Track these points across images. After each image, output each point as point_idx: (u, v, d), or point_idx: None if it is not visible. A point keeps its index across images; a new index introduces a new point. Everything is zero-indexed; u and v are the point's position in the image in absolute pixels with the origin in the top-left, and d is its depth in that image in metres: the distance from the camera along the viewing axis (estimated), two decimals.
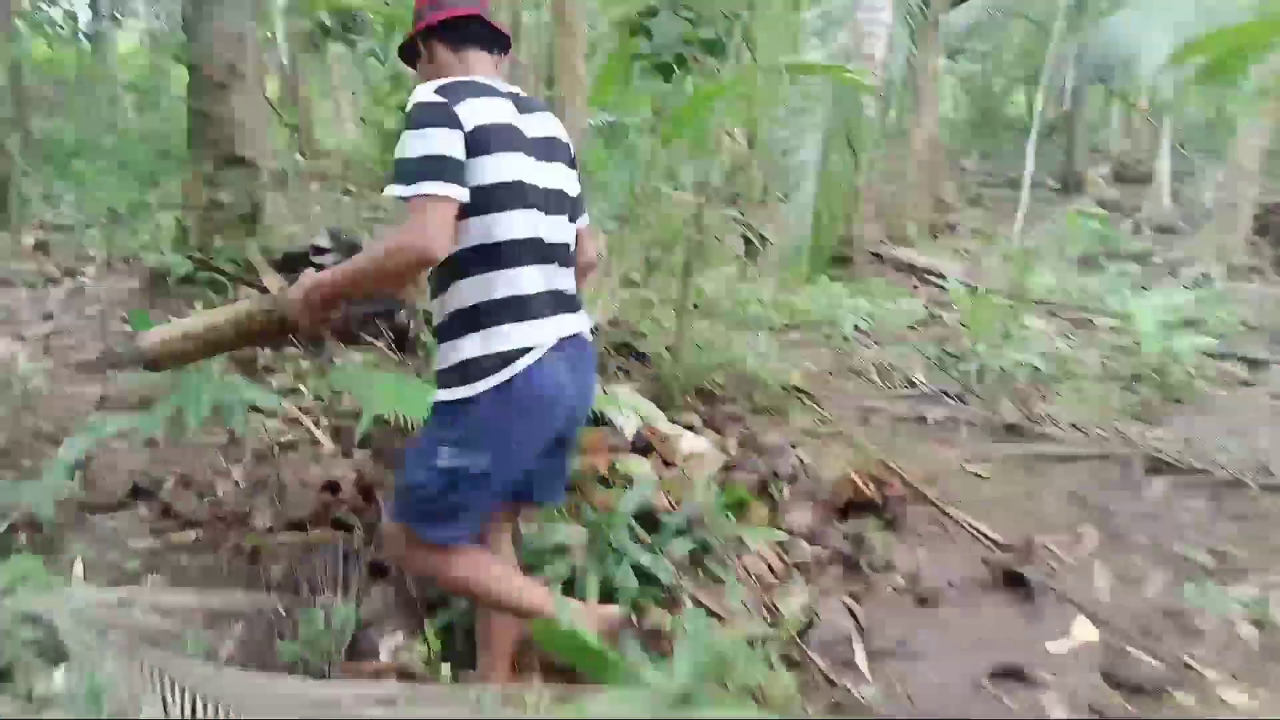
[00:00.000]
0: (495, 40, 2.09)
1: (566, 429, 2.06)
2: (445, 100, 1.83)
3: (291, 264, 6.09)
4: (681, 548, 2.90)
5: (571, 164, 2.15)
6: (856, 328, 7.13)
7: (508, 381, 1.85)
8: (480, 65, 2.04)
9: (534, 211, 1.94)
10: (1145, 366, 5.97)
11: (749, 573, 3.02)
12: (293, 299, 1.96)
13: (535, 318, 1.91)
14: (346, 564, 2.90)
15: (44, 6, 14.50)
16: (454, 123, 1.81)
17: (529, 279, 1.91)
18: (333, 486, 3.44)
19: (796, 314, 7.23)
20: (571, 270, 2.10)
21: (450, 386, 1.90)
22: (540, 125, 2.04)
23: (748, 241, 4.93)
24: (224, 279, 5.62)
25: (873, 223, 10.83)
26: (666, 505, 3.15)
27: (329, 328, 2.16)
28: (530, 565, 2.70)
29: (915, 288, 9.39)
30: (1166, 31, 8.28)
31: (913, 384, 5.86)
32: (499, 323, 1.87)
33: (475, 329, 1.88)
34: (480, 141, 1.84)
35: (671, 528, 2.96)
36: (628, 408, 3.71)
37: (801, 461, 4.10)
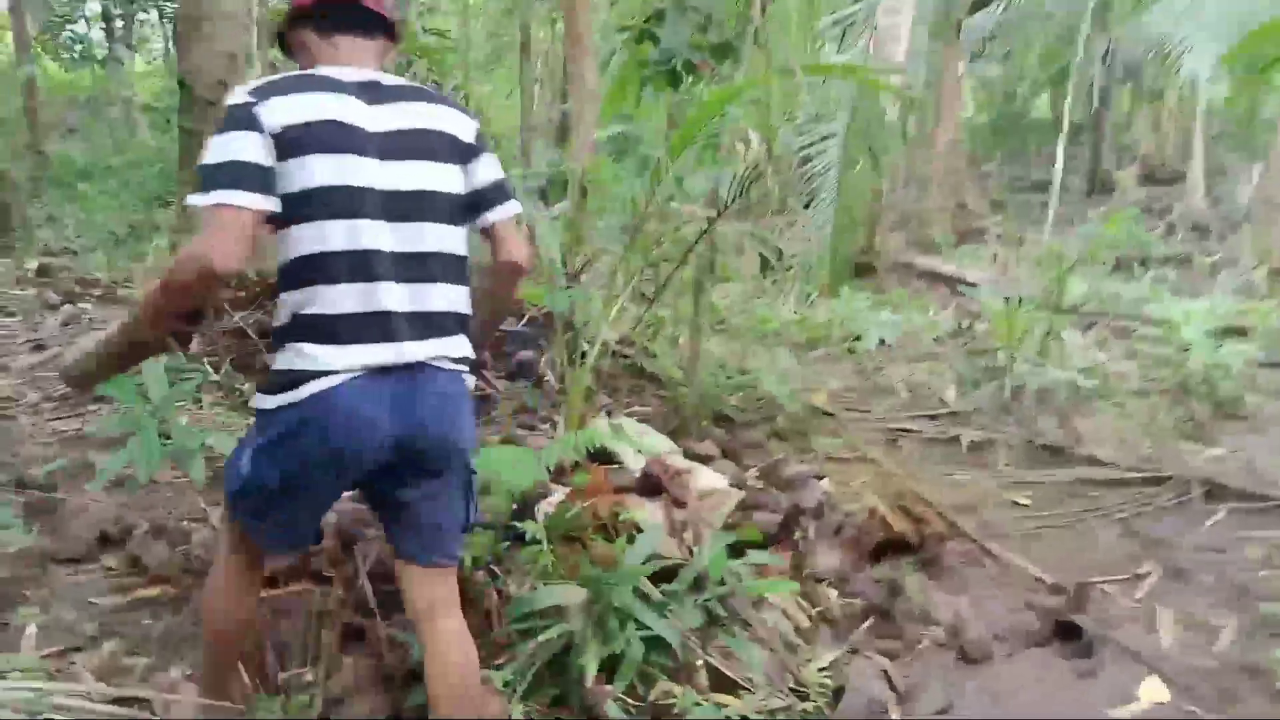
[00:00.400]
0: (376, 24, 1.91)
1: (401, 470, 1.81)
2: (251, 100, 1.68)
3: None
4: (694, 606, 2.58)
5: (463, 156, 1.87)
6: (882, 342, 6.79)
7: (296, 404, 1.70)
8: (356, 53, 1.86)
9: (363, 221, 1.71)
10: (1192, 379, 5.60)
11: (770, 630, 2.69)
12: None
13: (346, 341, 1.69)
14: (320, 625, 2.61)
15: (59, 31, 14.45)
16: (254, 125, 1.65)
17: (344, 297, 1.69)
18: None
19: (818, 329, 6.89)
20: (449, 285, 1.82)
21: (261, 394, 1.80)
22: (396, 117, 1.79)
23: (764, 255, 4.65)
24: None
25: (896, 231, 10.51)
26: (677, 554, 2.84)
27: (184, 340, 1.95)
28: (521, 633, 2.40)
29: (942, 298, 9.03)
30: (1210, 27, 7.89)
31: (944, 402, 5.52)
32: (302, 340, 1.71)
33: (285, 342, 1.74)
34: (290, 144, 1.67)
35: (683, 582, 2.64)
36: (633, 441, 3.41)
37: (827, 495, 3.78)
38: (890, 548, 3.39)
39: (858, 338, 6.76)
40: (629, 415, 4.89)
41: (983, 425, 5.09)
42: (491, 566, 2.58)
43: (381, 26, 1.91)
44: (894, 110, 9.92)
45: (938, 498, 3.91)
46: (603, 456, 3.40)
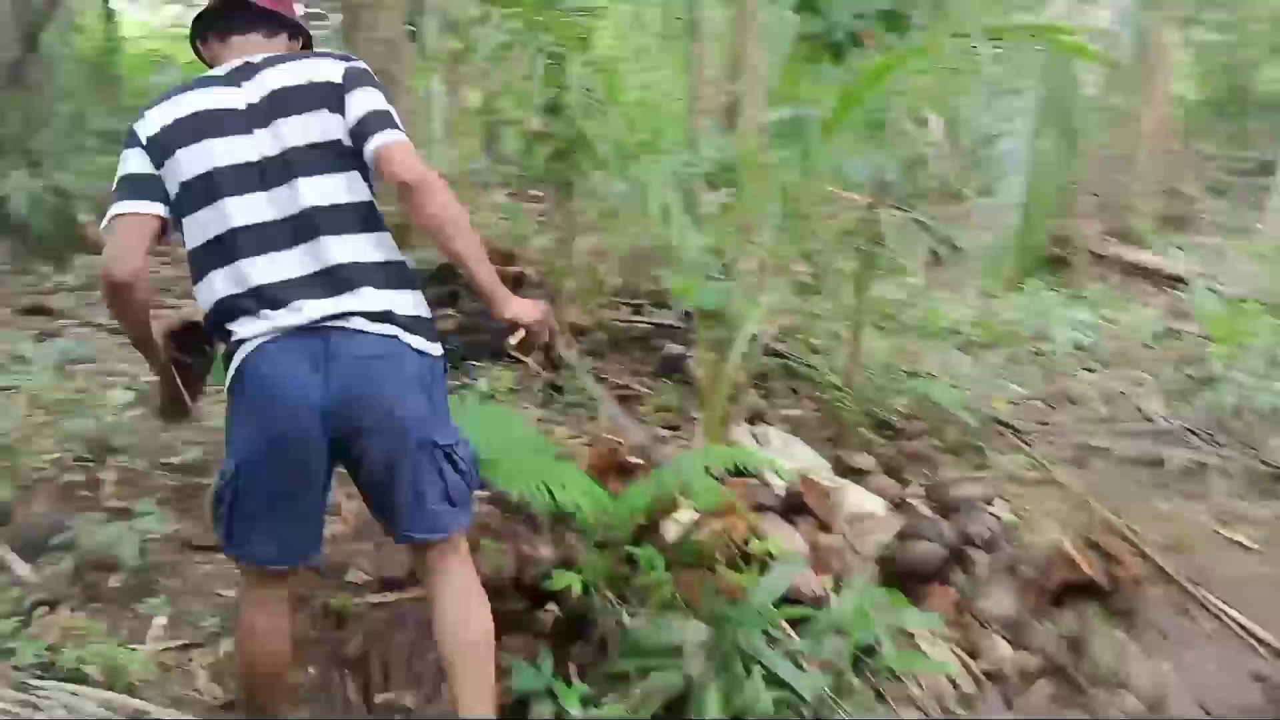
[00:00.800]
0: (274, 23, 1.93)
1: (350, 448, 1.75)
2: (133, 119, 1.82)
3: (445, 275, 5.86)
4: (835, 652, 2.25)
5: (338, 99, 1.79)
6: (1075, 344, 6.08)
7: (235, 380, 1.73)
8: (250, 48, 1.88)
9: (231, 200, 1.73)
10: None
11: (924, 688, 2.32)
12: None
13: (247, 316, 1.70)
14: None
15: None
16: (134, 141, 1.79)
17: (224, 282, 1.72)
18: None
19: (999, 328, 6.25)
20: (348, 236, 1.75)
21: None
22: (262, 86, 1.79)
23: (934, 248, 4.19)
24: None
25: (1094, 218, 9.51)
26: (818, 589, 2.51)
27: (189, 382, 1.99)
28: (638, 670, 2.15)
29: (1147, 295, 8.07)
30: None
31: (1147, 417, 4.83)
32: (219, 324, 1.75)
33: (211, 331, 1.81)
34: (161, 148, 1.77)
35: (823, 623, 2.32)
36: (777, 453, 3.09)
37: (1002, 523, 3.31)
38: (1076, 592, 2.92)
39: (1046, 338, 6.09)
40: (782, 419, 4.56)
41: (1194, 446, 4.40)
42: (606, 592, 2.34)
43: (281, 25, 1.93)
44: (1095, 83, 8.97)
45: (1137, 532, 3.37)
46: (739, 473, 3.10)
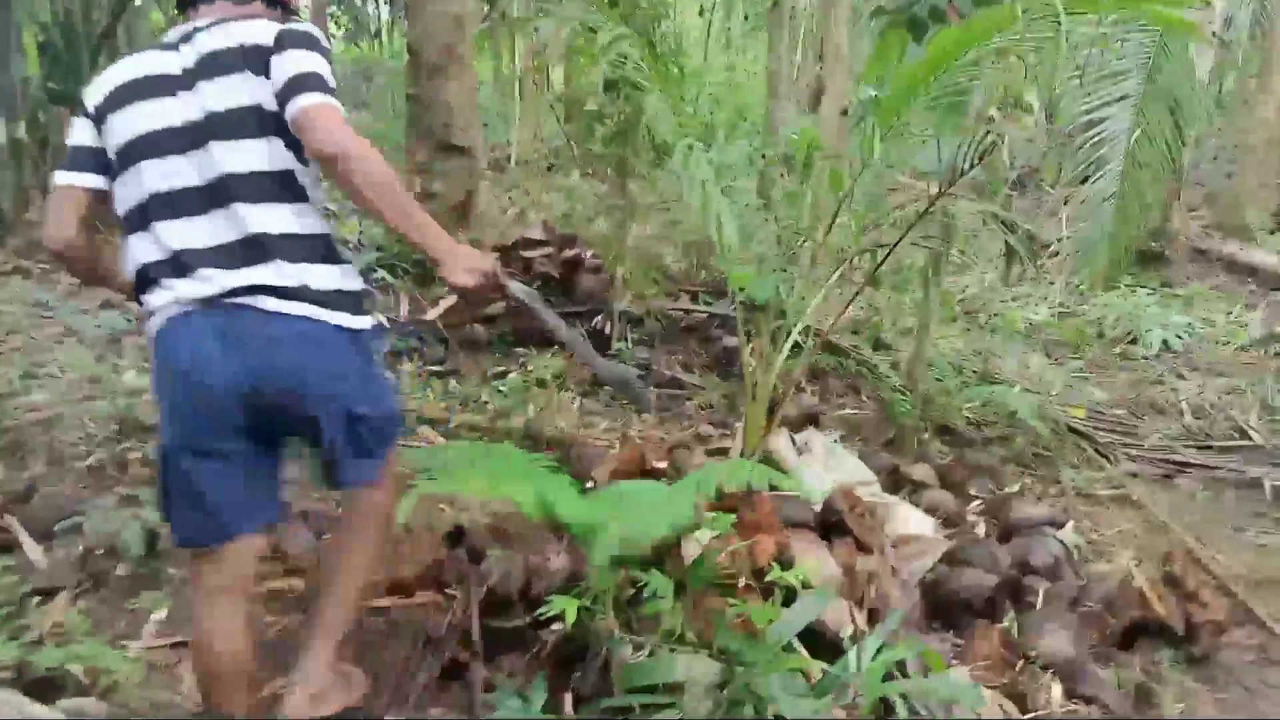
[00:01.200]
0: None
1: (271, 419, 1.72)
2: (85, 89, 1.83)
3: (501, 258, 5.73)
4: (857, 700, 2.01)
5: (259, 68, 1.70)
6: (1166, 346, 5.62)
7: (154, 354, 1.73)
8: (216, 13, 1.81)
9: (151, 163, 1.71)
10: None
11: None
12: None
13: (160, 284, 1.68)
14: (424, 653, 2.32)
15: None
16: (82, 110, 1.80)
17: (142, 246, 1.70)
18: (457, 534, 2.89)
19: (1083, 327, 5.83)
20: (264, 205, 1.69)
21: None
22: (198, 48, 1.74)
23: (1010, 243, 3.83)
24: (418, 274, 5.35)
25: (1198, 212, 8.86)
26: (850, 621, 2.27)
27: None
28: (642, 706, 1.96)
29: (1252, 297, 7.45)
30: None
31: (1243, 433, 4.40)
32: (142, 290, 1.72)
33: (136, 297, 1.77)
34: (100, 115, 1.77)
35: (849, 665, 2.08)
36: (820, 462, 2.85)
37: (1068, 547, 3.01)
38: (1146, 632, 2.61)
39: (1134, 340, 5.64)
40: (838, 420, 4.30)
41: None
42: (613, 617, 2.15)
43: None
44: (1206, 66, 8.30)
45: (1223, 564, 3.03)
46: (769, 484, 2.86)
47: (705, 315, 5.25)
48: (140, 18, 7.94)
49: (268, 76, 1.68)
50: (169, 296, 1.65)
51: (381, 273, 5.75)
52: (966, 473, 3.63)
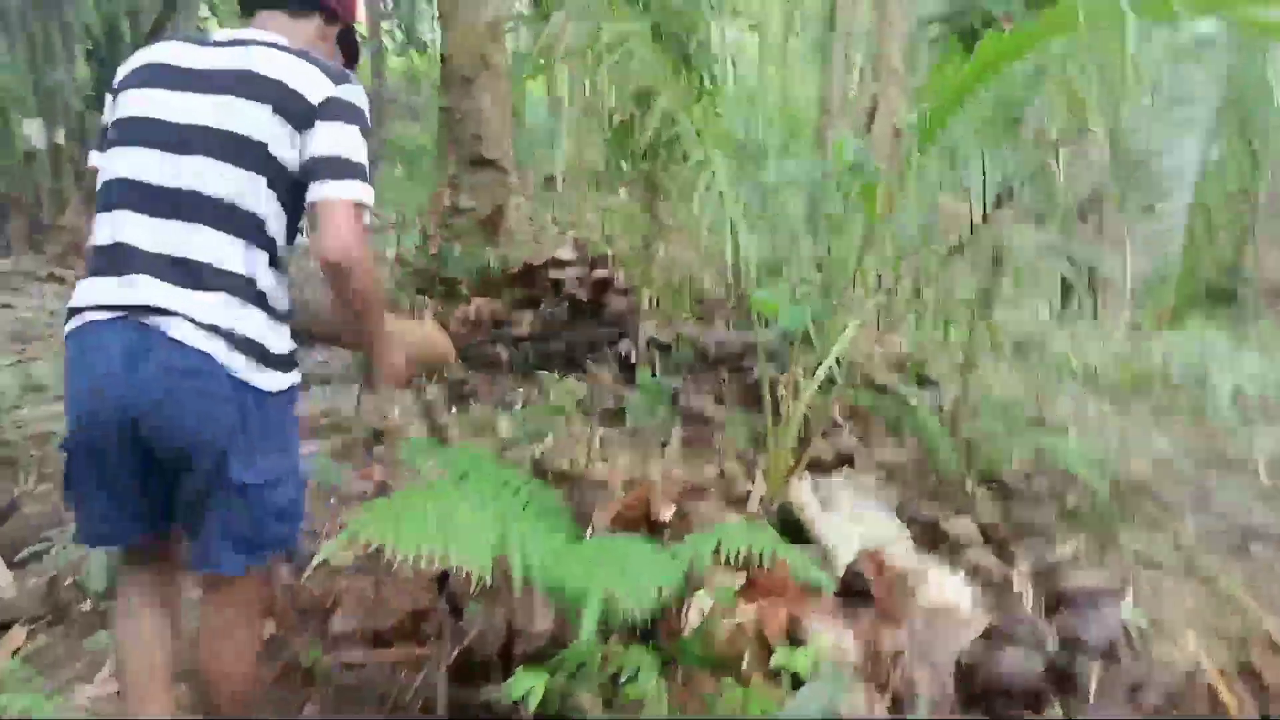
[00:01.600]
0: (304, 2, 1.87)
1: (156, 452, 1.62)
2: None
3: (529, 277, 5.53)
4: None
5: (298, 115, 1.65)
6: (1239, 393, 5.19)
7: (66, 342, 1.67)
8: (272, 24, 1.81)
9: (135, 150, 1.66)
10: None
11: None
12: None
13: (98, 273, 1.64)
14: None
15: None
16: (111, 89, 1.77)
17: (101, 228, 1.66)
18: (443, 578, 2.65)
19: (1149, 371, 5.42)
20: (212, 231, 1.62)
21: None
22: (225, 59, 1.69)
23: (1068, 276, 3.52)
24: (446, 290, 5.16)
25: (1277, 246, 8.35)
26: (871, 708, 1.98)
27: None
28: None
29: None
30: None
31: None
32: (82, 275, 1.70)
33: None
34: (118, 91, 1.74)
35: None
36: (843, 514, 2.56)
37: (1128, 625, 2.67)
38: None
39: (1204, 387, 5.22)
40: (875, 464, 3.98)
41: None
42: (589, 699, 1.88)
43: (314, 6, 1.86)
44: None
45: None
46: (796, 532, 2.59)
47: (738, 343, 4.97)
48: (189, 20, 7.96)
49: (294, 126, 1.64)
50: (93, 296, 1.61)
51: (408, 289, 5.61)
52: (1013, 531, 3.30)
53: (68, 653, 2.41)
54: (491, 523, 1.78)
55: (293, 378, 1.71)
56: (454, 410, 4.35)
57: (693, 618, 2.08)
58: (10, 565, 2.77)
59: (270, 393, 1.65)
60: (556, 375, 4.61)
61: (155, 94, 1.68)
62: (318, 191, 1.63)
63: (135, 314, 1.57)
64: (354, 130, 1.68)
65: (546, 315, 5.29)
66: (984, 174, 2.98)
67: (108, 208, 1.66)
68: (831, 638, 2.10)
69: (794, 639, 2.08)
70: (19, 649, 2.42)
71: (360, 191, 1.65)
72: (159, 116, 1.66)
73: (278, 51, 1.70)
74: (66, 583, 2.66)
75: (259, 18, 1.82)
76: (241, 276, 1.62)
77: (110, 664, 2.35)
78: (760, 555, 1.73)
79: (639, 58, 2.68)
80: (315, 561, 1.65)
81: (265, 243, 1.66)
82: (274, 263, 1.68)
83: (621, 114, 4.35)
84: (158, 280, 1.58)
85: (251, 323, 1.63)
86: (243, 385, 1.60)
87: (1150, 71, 4.77)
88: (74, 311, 1.64)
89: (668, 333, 4.88)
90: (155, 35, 6.51)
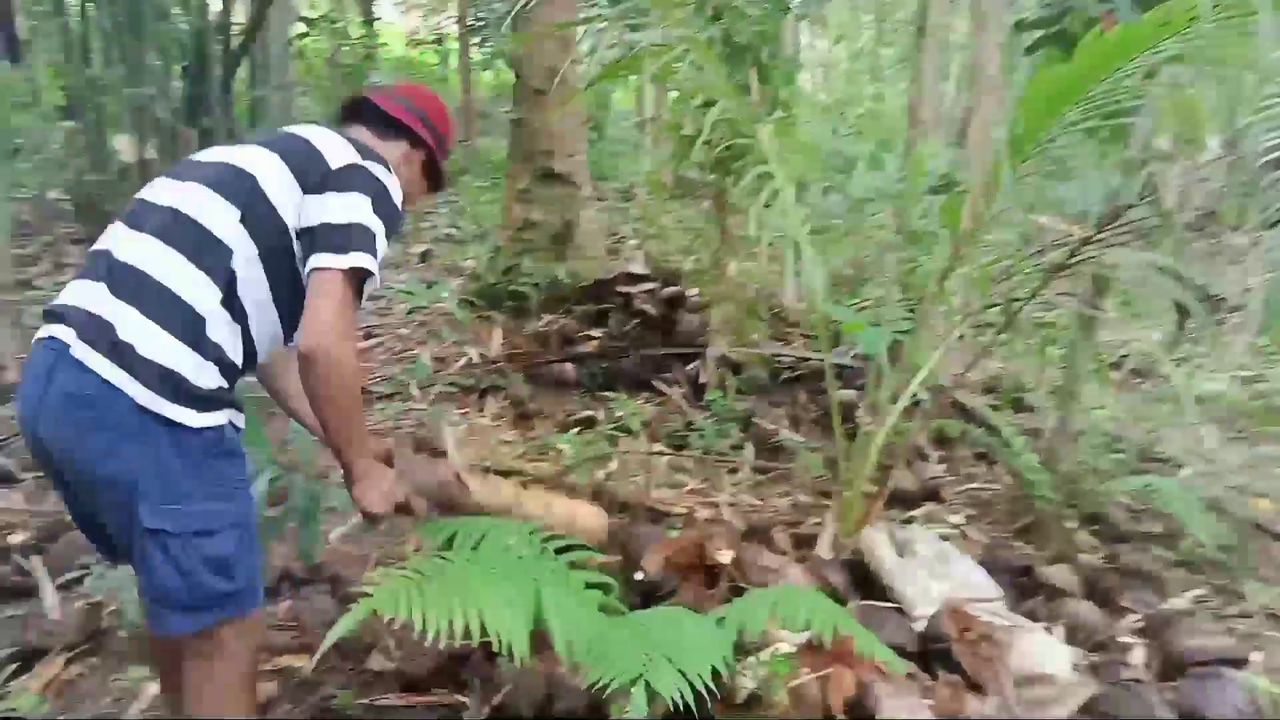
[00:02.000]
0: (389, 124, 1.89)
1: (65, 477, 1.54)
2: None
3: (600, 293, 5.38)
4: None
5: (298, 168, 1.63)
6: None
7: None
8: (361, 134, 1.85)
9: (120, 226, 1.62)
10: None
11: None
12: None
13: (77, 278, 1.57)
14: None
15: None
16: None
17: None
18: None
19: (1273, 398, 4.94)
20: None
21: None
22: (231, 155, 1.67)
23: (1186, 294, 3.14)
24: (515, 303, 5.06)
25: None
26: None
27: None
28: None
29: None
30: None
31: None
32: None
33: None
34: None
35: None
36: (924, 566, 2.30)
37: (1254, 695, 2.33)
38: None
39: None
40: (965, 499, 3.69)
41: None
42: None
43: (399, 131, 1.88)
44: None
45: None
46: (868, 583, 2.34)
47: (818, 364, 4.71)
48: (278, 41, 8.09)
49: (299, 180, 1.61)
50: (57, 304, 1.54)
51: (480, 302, 5.51)
52: (1120, 579, 2.96)
53: (100, 684, 2.33)
54: (524, 586, 1.61)
55: (219, 417, 1.53)
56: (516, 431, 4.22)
57: (745, 683, 1.86)
58: (57, 588, 2.73)
59: (193, 429, 1.48)
60: (624, 395, 4.43)
61: (158, 183, 1.67)
62: (312, 261, 1.55)
63: (59, 336, 1.48)
64: (364, 201, 1.61)
65: (616, 332, 5.13)
66: (1085, 188, 2.67)
67: (86, 275, 1.59)
68: (904, 709, 1.85)
69: (860, 710, 1.84)
70: (55, 679, 2.35)
71: (361, 261, 1.55)
72: (148, 199, 1.64)
73: (324, 128, 1.71)
74: (109, 610, 2.59)
75: (348, 130, 1.83)
76: (177, 299, 1.50)
77: (140, 701, 2.27)
78: (818, 628, 1.49)
79: (699, 68, 2.48)
80: (325, 645, 1.46)
81: (223, 284, 1.54)
82: (235, 312, 1.57)
83: (691, 126, 4.17)
84: (99, 288, 1.51)
85: (175, 351, 1.48)
86: (155, 419, 1.45)
87: (1274, 71, 4.35)
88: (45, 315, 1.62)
89: (740, 351, 4.66)
90: (245, 51, 6.60)
